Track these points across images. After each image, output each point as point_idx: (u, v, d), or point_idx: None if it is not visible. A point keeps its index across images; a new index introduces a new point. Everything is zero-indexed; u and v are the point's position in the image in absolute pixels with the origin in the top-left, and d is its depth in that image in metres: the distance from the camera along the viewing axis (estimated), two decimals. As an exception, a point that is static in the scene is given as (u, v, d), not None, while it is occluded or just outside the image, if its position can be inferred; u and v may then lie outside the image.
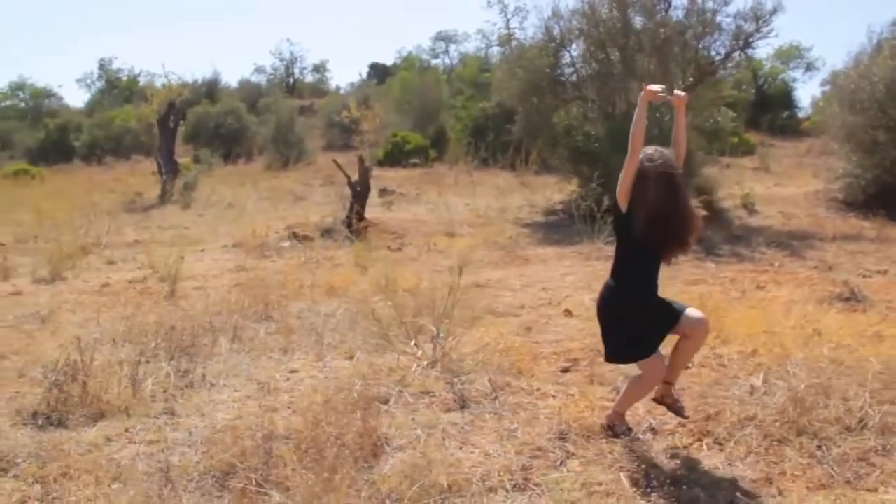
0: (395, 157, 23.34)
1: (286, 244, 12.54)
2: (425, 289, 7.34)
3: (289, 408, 4.60)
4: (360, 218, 13.24)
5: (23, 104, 47.22)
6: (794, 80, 35.37)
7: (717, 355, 5.28)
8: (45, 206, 16.34)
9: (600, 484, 3.47)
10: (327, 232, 13.17)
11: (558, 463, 3.74)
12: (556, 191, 14.76)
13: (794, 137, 29.06)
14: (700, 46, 12.09)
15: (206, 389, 5.08)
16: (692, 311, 3.86)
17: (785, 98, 33.99)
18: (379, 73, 49.94)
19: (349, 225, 12.99)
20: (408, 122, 27.50)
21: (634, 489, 3.45)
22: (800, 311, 6.31)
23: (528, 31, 12.85)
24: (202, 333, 6.30)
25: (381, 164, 22.31)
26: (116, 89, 45.92)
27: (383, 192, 17.08)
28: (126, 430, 4.40)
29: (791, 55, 34.93)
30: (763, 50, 34.78)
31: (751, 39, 11.87)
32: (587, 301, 6.97)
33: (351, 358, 5.70)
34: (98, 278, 9.96)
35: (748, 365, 4.95)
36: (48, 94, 48.22)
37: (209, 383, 5.17)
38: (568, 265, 9.37)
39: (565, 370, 5.23)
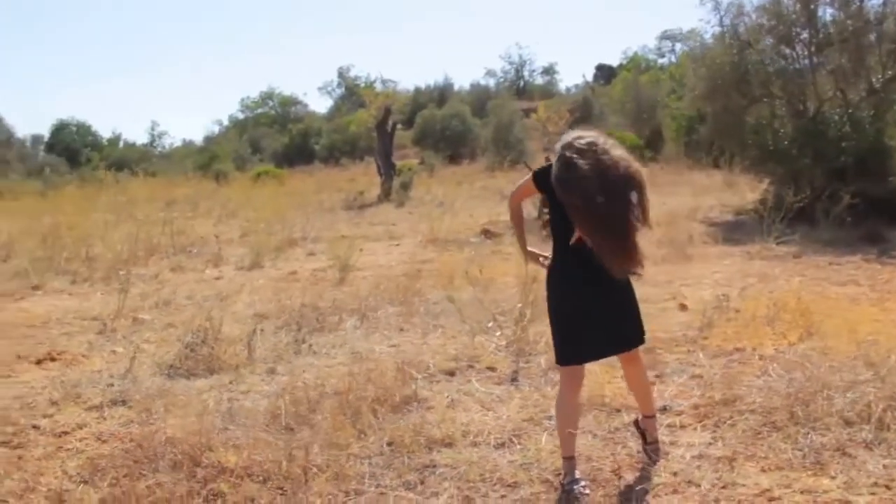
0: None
1: (475, 240, 13.46)
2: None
3: (361, 373, 5.43)
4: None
5: (272, 112, 52.77)
6: None
7: (791, 350, 5.45)
8: (276, 204, 18.44)
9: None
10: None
11: (553, 428, 4.27)
12: (750, 190, 14.59)
13: None
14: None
15: (310, 356, 6.07)
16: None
17: None
18: (605, 74, 50.28)
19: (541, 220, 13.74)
20: (628, 122, 27.81)
21: (606, 456, 3.92)
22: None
23: (715, 28, 12.72)
24: (333, 313, 7.38)
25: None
26: (354, 95, 49.93)
27: (584, 191, 17.58)
28: (229, 382, 5.46)
29: None
30: None
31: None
32: (707, 296, 7.23)
33: (453, 338, 6.46)
34: (290, 267, 11.41)
35: (808, 360, 5.09)
36: (294, 101, 53.59)
37: (314, 352, 6.17)
38: (727, 263, 9.48)
39: (632, 356, 5.65)
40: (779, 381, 4.63)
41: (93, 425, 4.69)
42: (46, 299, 9.18)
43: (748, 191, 14.89)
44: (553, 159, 3.49)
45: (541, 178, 3.57)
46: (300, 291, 8.92)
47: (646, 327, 6.41)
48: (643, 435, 3.95)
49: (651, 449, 3.90)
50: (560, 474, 3.63)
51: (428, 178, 26.18)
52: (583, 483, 3.51)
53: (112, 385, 5.44)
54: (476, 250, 11.77)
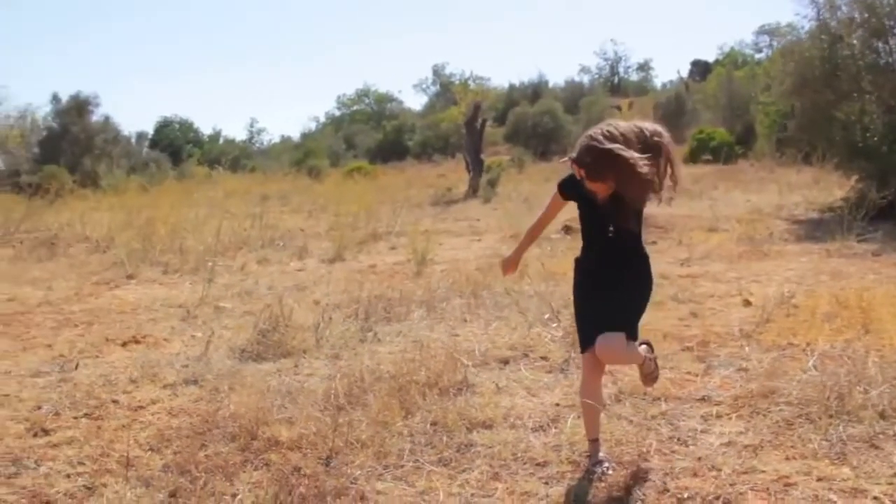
0: (702, 153, 23.67)
1: (556, 236, 13.63)
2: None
3: (417, 359, 5.71)
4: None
5: (368, 109, 53.95)
6: None
7: (847, 346, 5.47)
8: (365, 200, 18.94)
9: (601, 430, 4.15)
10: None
11: (591, 414, 4.46)
12: (839, 187, 14.33)
13: None
14: None
15: (374, 343, 6.39)
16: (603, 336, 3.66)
17: None
18: (700, 69, 49.51)
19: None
20: (720, 118, 27.59)
21: (636, 441, 4.09)
22: None
23: (812, 22, 12.45)
24: (402, 304, 7.70)
25: (685, 160, 22.93)
26: (448, 92, 50.64)
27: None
28: (295, 366, 5.83)
29: None
30: None
31: None
32: (771, 293, 7.27)
33: (513, 329, 6.68)
34: (371, 260, 11.83)
35: (854, 354, 5.12)
36: (390, 98, 54.62)
37: (378, 339, 6.49)
38: (803, 260, 9.41)
39: (685, 349, 5.78)
40: (819, 375, 4.69)
41: (165, 401, 5.12)
42: (139, 288, 9.81)
43: (836, 188, 14.63)
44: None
45: (568, 186, 3.72)
46: (375, 283, 9.30)
47: (703, 322, 6.59)
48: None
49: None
50: (588, 455, 3.84)
51: (517, 175, 26.39)
52: (606, 464, 3.71)
53: (187, 366, 5.88)
54: (553, 246, 11.94)
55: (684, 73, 51.00)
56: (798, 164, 18.52)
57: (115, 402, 5.12)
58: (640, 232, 3.80)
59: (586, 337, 3.76)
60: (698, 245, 11.11)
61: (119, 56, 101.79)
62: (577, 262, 3.94)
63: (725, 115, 28.96)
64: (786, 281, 8.10)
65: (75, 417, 4.85)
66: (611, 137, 3.45)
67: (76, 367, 5.94)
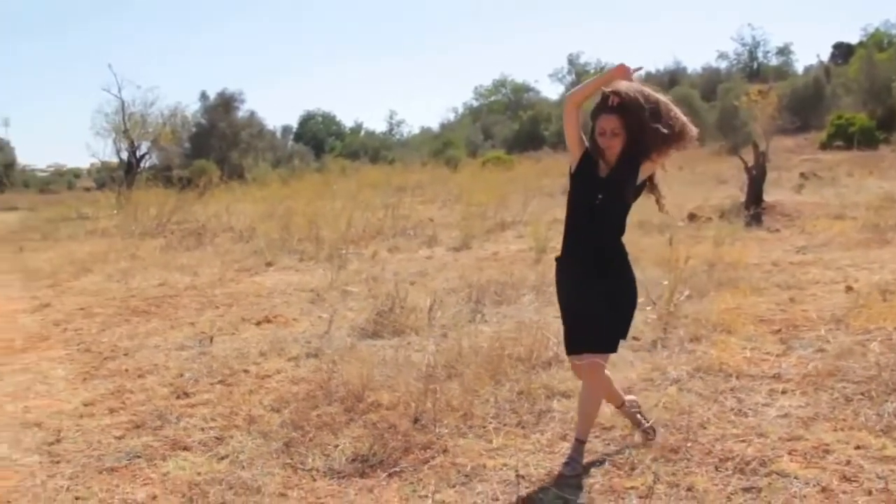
0: (839, 138, 23.13)
1: (681, 224, 13.82)
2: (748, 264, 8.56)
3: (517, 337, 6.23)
4: (757, 201, 14.02)
5: (505, 99, 54.69)
6: None
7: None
8: (499, 190, 19.50)
9: (671, 402, 4.58)
10: (725, 214, 14.19)
11: (665, 387, 4.89)
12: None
13: None
14: None
15: (482, 324, 6.96)
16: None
17: None
18: (843, 52, 47.38)
19: (746, 208, 13.88)
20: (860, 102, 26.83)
21: (699, 412, 4.49)
22: None
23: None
24: (514, 288, 8.25)
25: (823, 147, 22.43)
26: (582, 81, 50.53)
27: (802, 175, 17.37)
28: (407, 343, 6.47)
29: None
30: None
31: None
32: (876, 279, 7.40)
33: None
34: (495, 248, 12.42)
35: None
36: (526, 88, 55.17)
37: (485, 320, 7.06)
38: (928, 249, 9.38)
39: (773, 332, 6.06)
40: (880, 355, 4.95)
41: (289, 371, 5.86)
42: (276, 274, 10.75)
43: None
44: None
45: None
46: (495, 270, 9.86)
47: (798, 307, 6.82)
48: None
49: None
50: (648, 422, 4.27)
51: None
52: (647, 426, 4.14)
53: (310, 342, 6.63)
54: (675, 234, 12.14)
55: (825, 57, 49.08)
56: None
57: (245, 371, 5.91)
58: (622, 229, 3.89)
59: (569, 344, 3.95)
60: (820, 233, 11.15)
61: (263, 52, 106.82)
62: (558, 261, 4.03)
63: (866, 99, 27.90)
64: (896, 267, 8.16)
65: (211, 384, 5.66)
66: (647, 94, 3.71)
67: (211, 342, 6.79)
